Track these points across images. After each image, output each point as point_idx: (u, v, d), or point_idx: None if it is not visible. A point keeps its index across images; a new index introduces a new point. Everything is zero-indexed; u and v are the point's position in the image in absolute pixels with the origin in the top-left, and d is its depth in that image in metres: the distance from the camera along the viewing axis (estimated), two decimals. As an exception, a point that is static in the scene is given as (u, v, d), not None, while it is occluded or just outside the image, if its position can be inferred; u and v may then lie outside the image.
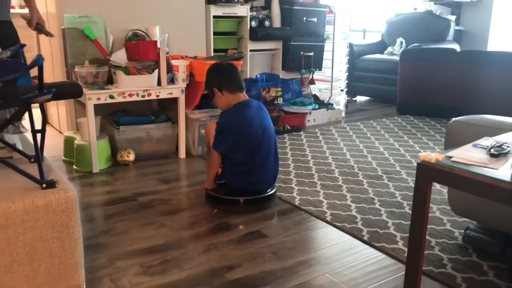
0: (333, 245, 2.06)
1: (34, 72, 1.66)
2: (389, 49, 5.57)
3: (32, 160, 1.64)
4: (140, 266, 1.85)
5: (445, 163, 1.26)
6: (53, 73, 3.50)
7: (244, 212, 2.36)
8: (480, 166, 1.25)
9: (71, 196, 1.41)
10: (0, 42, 2.55)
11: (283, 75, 4.25)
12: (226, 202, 2.40)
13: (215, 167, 2.44)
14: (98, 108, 2.92)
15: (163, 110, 3.40)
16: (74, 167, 2.96)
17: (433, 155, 1.27)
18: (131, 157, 3.05)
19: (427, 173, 1.29)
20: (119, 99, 2.89)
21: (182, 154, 3.23)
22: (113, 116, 3.23)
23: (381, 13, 6.19)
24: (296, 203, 2.47)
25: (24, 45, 1.72)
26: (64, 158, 3.11)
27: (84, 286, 1.53)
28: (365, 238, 2.10)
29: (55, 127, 3.80)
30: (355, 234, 2.14)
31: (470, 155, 1.30)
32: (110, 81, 2.98)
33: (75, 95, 1.54)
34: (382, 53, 5.60)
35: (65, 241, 1.43)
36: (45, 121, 1.53)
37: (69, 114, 3.35)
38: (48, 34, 2.62)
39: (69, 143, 3.05)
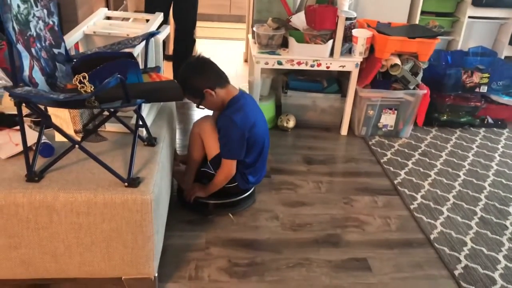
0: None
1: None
2: None
3: (146, 143, 1.76)
4: (228, 260, 1.90)
5: None
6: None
7: (362, 229, 2.15)
8: None
9: (147, 200, 1.49)
10: None
11: (508, 51, 3.43)
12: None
13: (230, 177, 2.10)
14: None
15: (340, 77, 3.18)
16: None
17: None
18: (290, 124, 3.01)
19: None
20: (287, 66, 2.81)
21: (344, 131, 3.03)
22: (287, 76, 3.18)
23: None
24: (432, 237, 2.10)
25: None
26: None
27: (156, 275, 1.65)
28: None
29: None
30: (478, 308, 1.73)
31: None
32: (285, 43, 2.89)
33: (174, 99, 1.54)
34: None
35: (138, 236, 1.54)
36: (144, 120, 1.60)
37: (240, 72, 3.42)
38: None
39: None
